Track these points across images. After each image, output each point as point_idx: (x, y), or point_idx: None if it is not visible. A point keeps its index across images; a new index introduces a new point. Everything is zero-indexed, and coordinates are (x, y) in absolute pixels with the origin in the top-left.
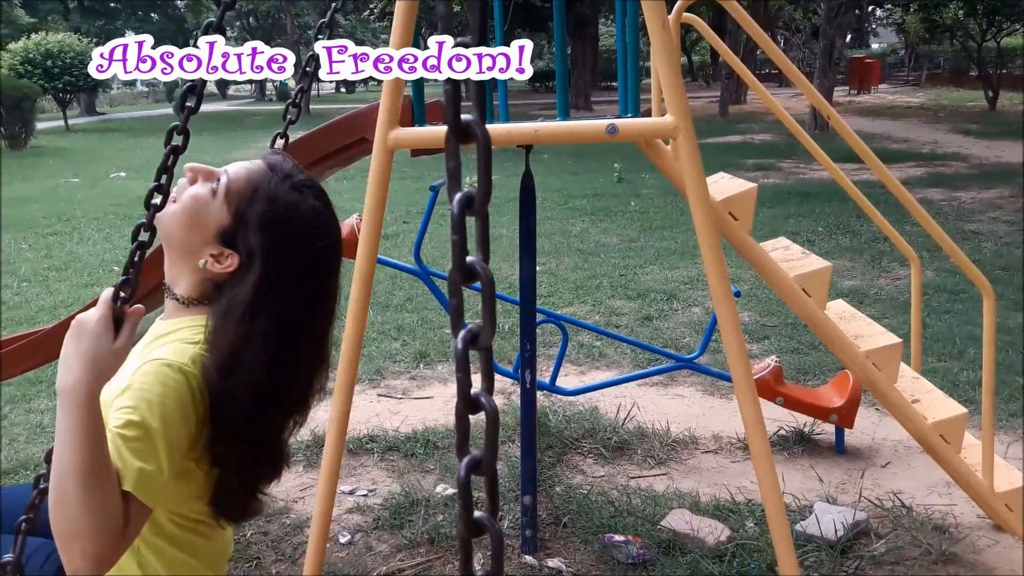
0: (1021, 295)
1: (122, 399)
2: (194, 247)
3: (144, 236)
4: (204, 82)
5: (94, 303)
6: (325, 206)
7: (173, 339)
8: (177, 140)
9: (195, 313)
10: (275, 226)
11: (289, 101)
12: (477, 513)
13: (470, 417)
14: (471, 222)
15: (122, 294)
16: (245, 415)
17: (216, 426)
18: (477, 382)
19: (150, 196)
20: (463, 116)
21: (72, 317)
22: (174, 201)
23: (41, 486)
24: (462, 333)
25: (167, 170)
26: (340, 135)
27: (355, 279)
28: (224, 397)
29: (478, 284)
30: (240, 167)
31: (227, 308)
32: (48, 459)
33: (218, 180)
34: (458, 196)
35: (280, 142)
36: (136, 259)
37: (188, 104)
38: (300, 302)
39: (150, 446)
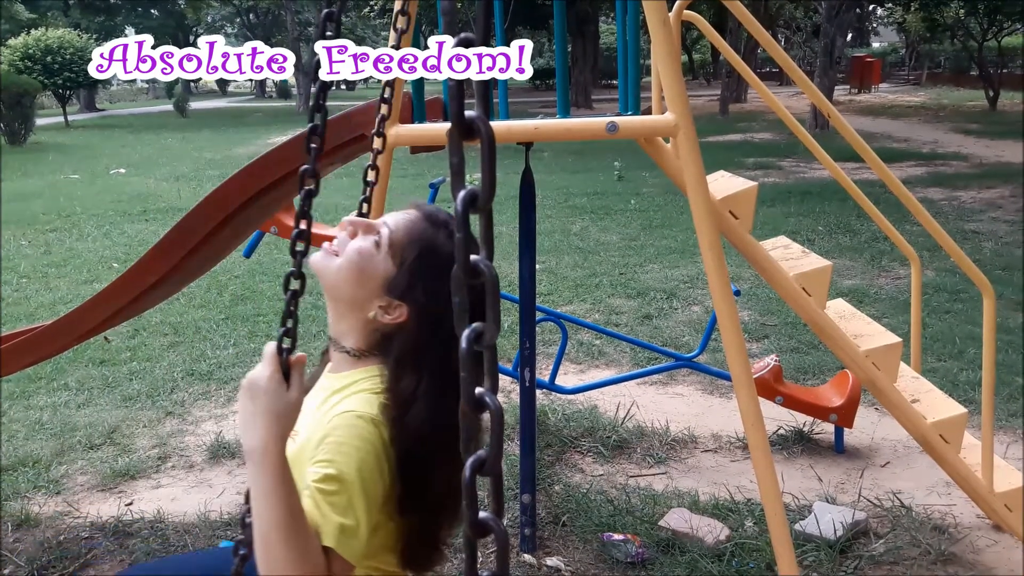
0: (1021, 295)
1: (318, 453)
2: (362, 300)
3: (295, 285)
4: (325, 114)
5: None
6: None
7: (354, 391)
8: (310, 184)
9: (367, 364)
10: (438, 273)
11: (368, 164)
12: (482, 514)
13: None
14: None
15: (284, 345)
16: (430, 461)
17: (404, 474)
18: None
19: (294, 243)
20: (467, 112)
21: (71, 315)
22: (336, 255)
23: (241, 552)
24: (466, 332)
25: (305, 215)
26: (339, 132)
27: None
28: (410, 445)
29: None
30: (399, 218)
31: (400, 357)
32: (243, 524)
33: (379, 232)
34: (462, 193)
35: (365, 207)
36: (292, 308)
37: (313, 145)
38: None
39: (349, 500)
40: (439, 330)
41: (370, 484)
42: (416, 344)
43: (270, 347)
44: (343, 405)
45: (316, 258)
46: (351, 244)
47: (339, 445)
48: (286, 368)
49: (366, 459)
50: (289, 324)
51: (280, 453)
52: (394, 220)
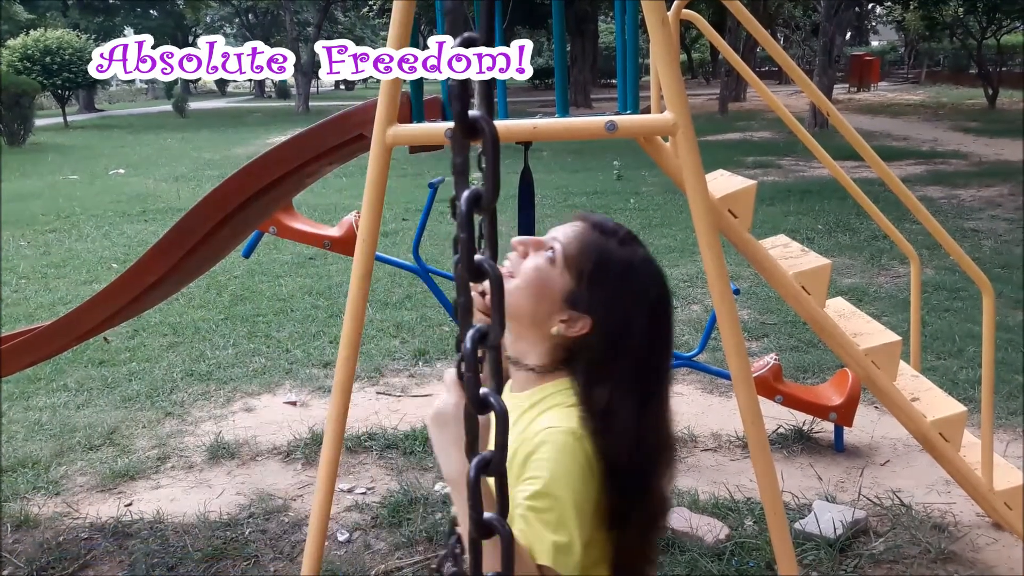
0: (1021, 293)
1: (525, 471)
2: (543, 316)
3: (463, 300)
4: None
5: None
6: (648, 253)
7: (547, 407)
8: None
9: (553, 379)
10: (616, 281)
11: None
12: (487, 514)
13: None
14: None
15: (462, 370)
16: (634, 470)
17: (612, 485)
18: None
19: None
20: (470, 112)
21: (70, 316)
22: (510, 276)
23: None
24: (470, 332)
25: (467, 228)
26: (338, 132)
27: (353, 276)
28: (616, 455)
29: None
30: (567, 232)
31: (589, 368)
32: (453, 553)
33: (550, 248)
34: (465, 193)
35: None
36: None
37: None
38: (650, 347)
39: (561, 516)
40: (625, 337)
41: (581, 498)
42: (603, 354)
43: (450, 375)
44: (542, 422)
45: None
46: (525, 263)
47: (546, 461)
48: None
49: (574, 473)
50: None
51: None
52: (563, 234)
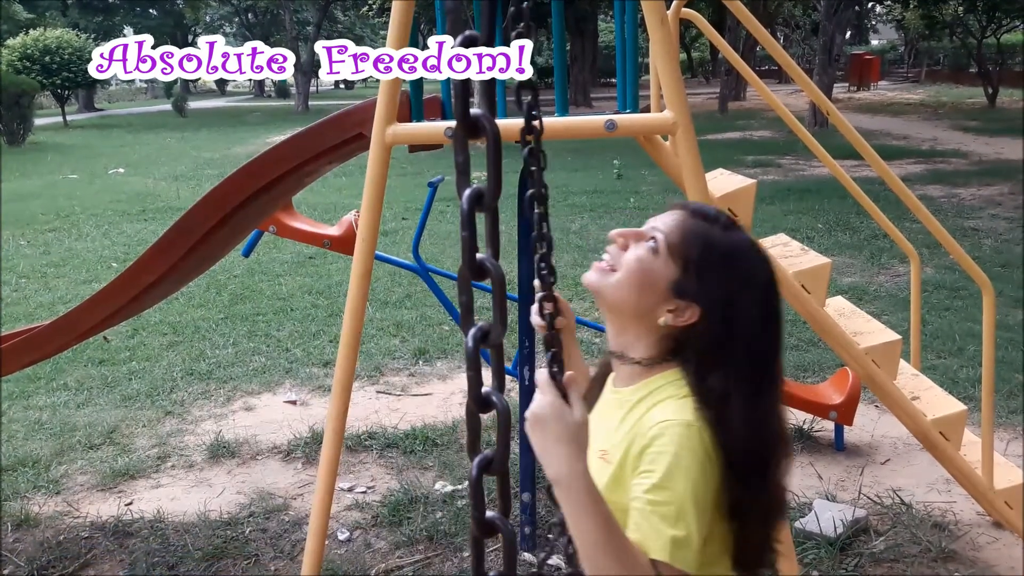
0: (1021, 292)
1: (641, 465)
2: (649, 308)
3: (550, 308)
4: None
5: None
6: (751, 238)
7: (658, 400)
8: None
9: (661, 371)
10: (723, 267)
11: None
12: (489, 513)
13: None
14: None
15: (555, 369)
16: (752, 460)
17: (729, 478)
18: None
19: (538, 268)
20: (472, 110)
21: (70, 315)
22: (612, 269)
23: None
24: (472, 331)
25: (545, 238)
26: (338, 131)
27: (353, 275)
28: (735, 445)
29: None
30: (668, 221)
31: (701, 358)
32: (568, 555)
33: (651, 239)
34: (467, 192)
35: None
36: (556, 332)
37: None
38: (762, 331)
39: (679, 510)
40: (735, 324)
41: (700, 491)
42: (714, 341)
43: (542, 375)
44: (655, 415)
45: (591, 277)
46: (627, 255)
47: (663, 455)
48: (563, 391)
49: (693, 466)
50: (555, 349)
51: (585, 473)
52: (664, 223)
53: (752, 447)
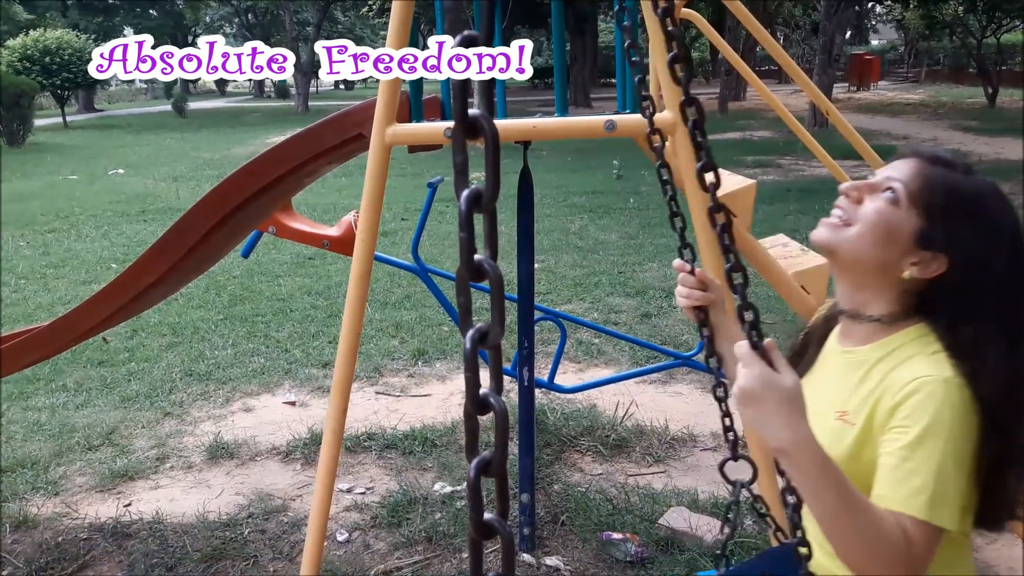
0: None
1: (892, 422)
2: (892, 262)
3: (739, 279)
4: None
5: None
6: (992, 181)
7: (905, 356)
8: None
9: (900, 329)
10: (970, 214)
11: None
12: (487, 515)
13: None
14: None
15: (755, 338)
16: (1010, 410)
17: (988, 431)
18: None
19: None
20: (470, 110)
21: (69, 316)
22: (846, 224)
23: (804, 551)
24: (470, 332)
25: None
26: (337, 131)
27: (352, 276)
28: (987, 400)
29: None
30: (903, 169)
31: (951, 310)
32: (793, 525)
33: (888, 189)
34: (465, 192)
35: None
36: (749, 300)
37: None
38: (1012, 280)
39: (940, 466)
40: (985, 273)
41: (960, 447)
42: (965, 292)
43: (742, 347)
44: (906, 373)
45: (823, 234)
46: (863, 209)
47: (920, 411)
48: (768, 359)
49: (953, 422)
50: (748, 316)
51: (809, 436)
52: (900, 172)
53: (1011, 398)
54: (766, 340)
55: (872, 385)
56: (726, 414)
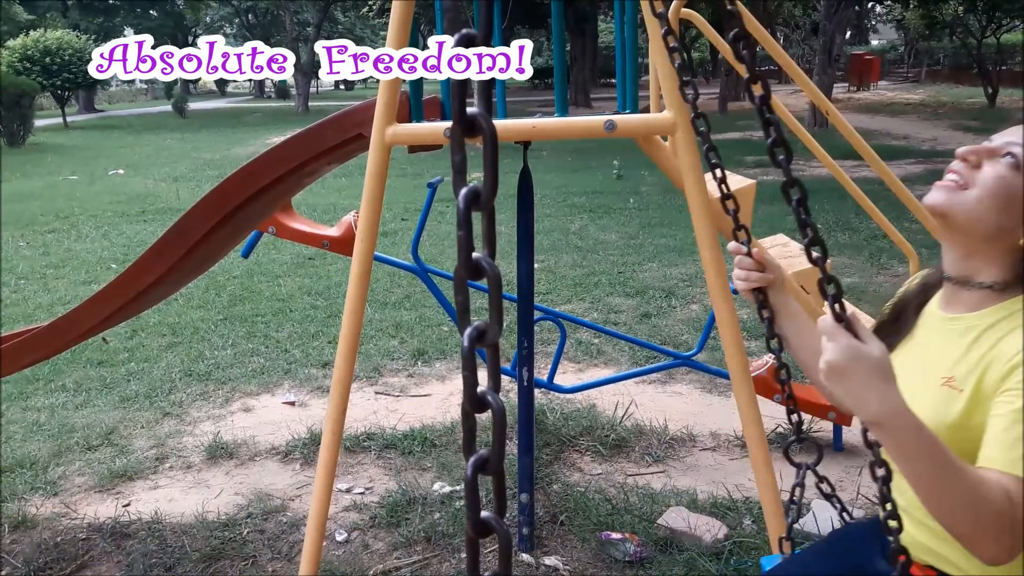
0: None
1: (1006, 384)
2: (1008, 228)
3: (818, 252)
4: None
5: None
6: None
7: (1017, 324)
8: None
9: (1009, 296)
10: None
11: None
12: (484, 513)
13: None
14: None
15: (838, 310)
16: None
17: None
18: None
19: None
20: (469, 109)
21: (69, 316)
22: (963, 188)
23: (893, 525)
24: (468, 331)
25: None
26: (337, 131)
27: (352, 276)
28: None
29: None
30: (1022, 133)
31: None
32: (883, 497)
33: (1008, 154)
34: (464, 191)
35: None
36: (832, 275)
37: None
38: None
39: None
40: None
41: None
42: None
43: (826, 320)
44: (1017, 340)
45: (938, 197)
46: (984, 173)
47: None
48: (852, 331)
49: None
50: (831, 288)
51: (902, 404)
52: (1021, 138)
53: None
54: (849, 311)
55: (982, 352)
56: (789, 396)
